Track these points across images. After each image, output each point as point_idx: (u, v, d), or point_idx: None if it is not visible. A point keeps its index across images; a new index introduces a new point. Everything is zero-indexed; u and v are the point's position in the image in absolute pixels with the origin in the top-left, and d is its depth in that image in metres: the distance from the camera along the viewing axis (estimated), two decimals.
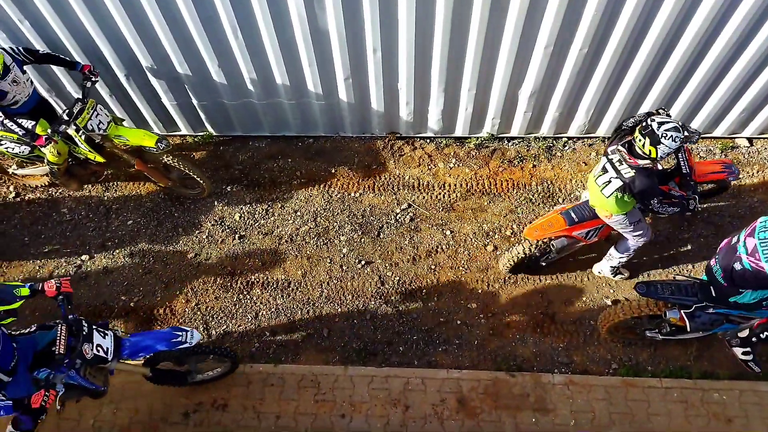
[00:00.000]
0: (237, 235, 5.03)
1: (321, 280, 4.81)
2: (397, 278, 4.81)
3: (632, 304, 3.93)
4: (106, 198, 5.26)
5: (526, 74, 4.62)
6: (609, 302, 4.64)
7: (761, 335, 3.63)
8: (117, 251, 5.01)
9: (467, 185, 5.23)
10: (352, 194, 5.22)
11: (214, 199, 5.21)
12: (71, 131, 4.23)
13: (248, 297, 4.75)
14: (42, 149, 4.32)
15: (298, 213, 5.14)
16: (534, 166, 5.28)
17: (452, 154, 5.41)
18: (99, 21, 4.21)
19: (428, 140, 5.47)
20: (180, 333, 3.55)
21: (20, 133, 4.18)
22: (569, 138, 5.36)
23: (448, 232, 5.01)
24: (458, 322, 4.62)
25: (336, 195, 5.22)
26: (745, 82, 4.61)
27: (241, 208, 5.16)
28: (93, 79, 4.33)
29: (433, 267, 4.86)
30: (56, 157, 4.40)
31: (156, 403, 4.28)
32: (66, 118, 4.25)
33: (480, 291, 4.74)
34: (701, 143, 5.32)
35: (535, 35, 4.24)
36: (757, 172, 5.18)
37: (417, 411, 4.23)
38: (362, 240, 4.99)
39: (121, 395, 4.30)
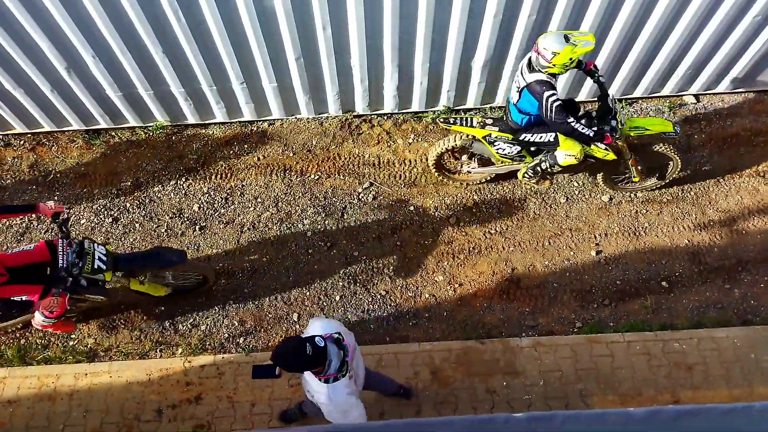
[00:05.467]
0: (197, 227, 4.92)
1: (287, 266, 4.78)
2: (364, 257, 4.81)
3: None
4: (56, 198, 5.06)
5: (477, 45, 4.62)
6: (594, 254, 4.79)
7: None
8: None
9: (427, 160, 5.23)
10: (313, 176, 5.17)
11: (170, 191, 5.08)
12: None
13: (214, 288, 4.68)
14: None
15: (259, 199, 5.06)
16: None
17: (410, 129, 5.40)
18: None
19: (386, 117, 5.43)
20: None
21: None
22: None
23: (411, 208, 5.03)
24: (426, 295, 4.68)
25: (296, 178, 5.16)
26: (689, 41, 4.73)
27: (200, 199, 5.05)
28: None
29: (398, 243, 4.87)
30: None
31: (127, 401, 4.21)
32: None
33: (446, 263, 4.79)
34: (650, 102, 5.45)
35: (483, 5, 4.23)
36: (705, 126, 5.35)
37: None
38: (326, 222, 4.96)
39: (89, 397, 4.21)
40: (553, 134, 4.26)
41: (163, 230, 4.91)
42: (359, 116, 5.41)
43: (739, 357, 4.34)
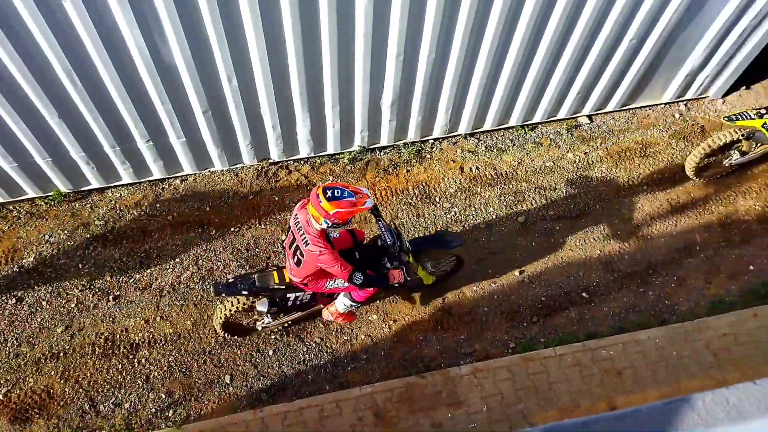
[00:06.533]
0: (111, 296, 4.61)
1: (214, 326, 4.56)
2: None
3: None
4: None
5: (383, 85, 4.75)
6: (517, 273, 4.94)
7: None
8: None
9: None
10: (232, 229, 5.02)
11: (78, 262, 4.74)
12: None
13: (134, 361, 4.37)
14: None
15: (177, 259, 4.83)
16: (408, 171, 5.44)
17: (328, 171, 5.41)
18: None
19: (302, 161, 5.42)
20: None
21: None
22: (435, 139, 5.60)
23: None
24: (362, 336, 4.62)
25: (215, 233, 4.99)
26: (574, 68, 5.12)
27: (111, 266, 4.75)
28: None
29: None
30: None
31: None
32: None
33: (378, 301, 4.76)
34: (549, 125, 5.81)
35: (384, 46, 4.38)
36: (600, 144, 5.76)
37: None
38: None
39: None
40: None
41: (72, 305, 4.56)
42: (275, 163, 5.36)
43: (663, 356, 4.58)
